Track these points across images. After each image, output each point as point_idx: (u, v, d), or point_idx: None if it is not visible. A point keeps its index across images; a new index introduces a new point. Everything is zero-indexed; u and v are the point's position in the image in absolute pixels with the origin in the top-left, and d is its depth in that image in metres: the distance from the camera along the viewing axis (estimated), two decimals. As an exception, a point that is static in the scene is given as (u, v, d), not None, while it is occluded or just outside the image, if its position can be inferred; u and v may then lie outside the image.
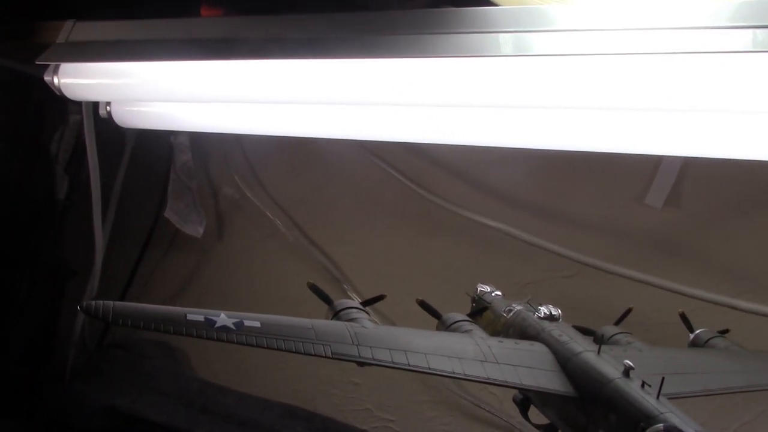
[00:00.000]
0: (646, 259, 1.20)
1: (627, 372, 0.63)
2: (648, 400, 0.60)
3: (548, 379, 0.67)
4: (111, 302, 0.60)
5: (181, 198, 1.54)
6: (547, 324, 0.77)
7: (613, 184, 1.23)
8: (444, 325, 0.81)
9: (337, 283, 1.44)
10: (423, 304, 0.84)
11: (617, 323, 0.89)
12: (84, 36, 1.13)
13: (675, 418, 0.57)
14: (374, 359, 0.65)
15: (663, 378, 0.61)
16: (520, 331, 0.78)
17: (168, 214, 1.53)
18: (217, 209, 1.61)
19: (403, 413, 1.41)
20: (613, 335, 0.85)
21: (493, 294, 0.89)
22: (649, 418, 0.58)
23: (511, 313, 0.82)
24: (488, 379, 0.66)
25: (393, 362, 0.65)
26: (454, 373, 0.66)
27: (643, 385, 0.61)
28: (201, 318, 0.62)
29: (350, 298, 1.20)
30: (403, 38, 0.89)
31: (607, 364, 0.65)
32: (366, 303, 0.79)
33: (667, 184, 1.19)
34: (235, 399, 1.47)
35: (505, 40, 0.84)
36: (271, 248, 1.54)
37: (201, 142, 1.58)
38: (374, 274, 1.43)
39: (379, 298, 0.82)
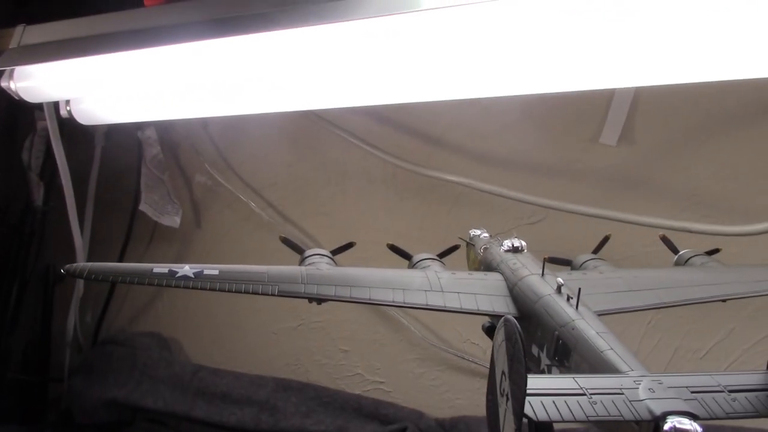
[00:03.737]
0: (607, 196, 1.23)
1: (559, 289, 0.66)
2: (566, 310, 0.63)
3: (490, 303, 0.70)
4: (88, 263, 0.71)
5: (155, 190, 1.57)
6: (508, 255, 0.79)
7: (568, 127, 1.25)
8: (411, 264, 0.85)
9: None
10: (393, 248, 0.89)
11: (595, 251, 0.91)
12: (35, 39, 1.14)
13: (582, 322, 0.60)
14: (317, 294, 0.70)
15: (579, 289, 0.63)
16: (487, 264, 0.82)
17: (143, 207, 1.56)
18: (192, 198, 1.63)
19: (392, 374, 1.45)
20: (584, 261, 0.87)
21: (481, 235, 0.91)
22: (562, 326, 0.61)
23: (484, 251, 0.85)
24: (427, 305, 0.71)
25: (335, 296, 0.70)
26: (393, 301, 0.70)
27: (568, 299, 0.64)
28: (165, 270, 0.70)
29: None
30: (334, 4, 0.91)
31: (544, 285, 0.68)
32: (335, 252, 0.84)
33: (619, 120, 1.22)
34: (229, 379, 1.50)
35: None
36: (248, 229, 1.57)
37: (169, 134, 1.61)
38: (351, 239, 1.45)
39: (349, 246, 0.86)
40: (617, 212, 1.18)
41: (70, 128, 1.37)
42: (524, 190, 1.26)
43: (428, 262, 0.82)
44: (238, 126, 1.54)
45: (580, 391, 0.48)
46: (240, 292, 0.69)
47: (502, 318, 0.48)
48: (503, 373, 0.47)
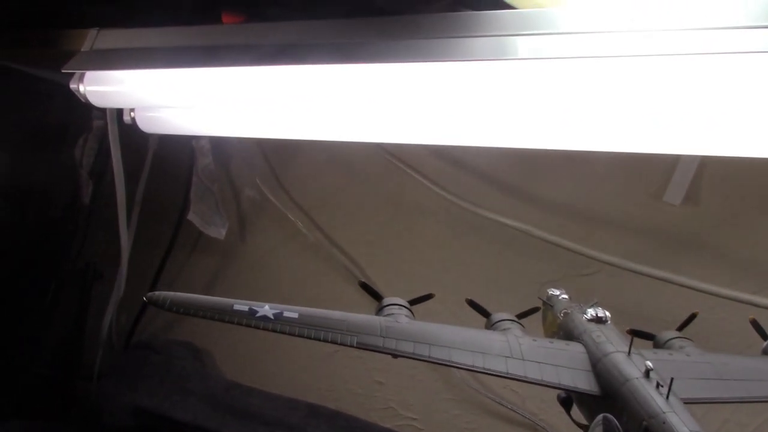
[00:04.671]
0: (665, 256, 1.20)
1: (647, 373, 0.64)
2: (656, 400, 0.60)
3: (573, 377, 0.68)
4: (170, 293, 0.72)
5: (204, 201, 1.57)
6: (591, 325, 0.77)
7: (631, 182, 1.23)
8: (489, 324, 0.83)
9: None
10: (472, 303, 0.88)
11: (680, 329, 0.88)
12: (108, 44, 1.15)
13: (674, 417, 0.57)
14: (395, 349, 0.69)
15: (672, 380, 0.61)
16: (568, 332, 0.80)
17: (191, 216, 1.56)
18: (239, 211, 1.63)
19: (426, 411, 1.43)
20: (669, 339, 0.85)
21: (560, 297, 0.89)
22: (652, 417, 0.59)
23: (565, 316, 0.83)
24: (508, 374, 0.69)
25: (414, 353, 0.69)
26: (474, 366, 0.68)
27: (658, 386, 0.62)
28: (245, 308, 0.71)
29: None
30: (421, 42, 0.90)
31: (631, 365, 0.66)
32: (413, 302, 0.83)
33: (685, 180, 1.20)
34: (261, 399, 1.49)
35: (522, 43, 0.85)
36: (292, 249, 1.56)
37: (222, 145, 1.60)
38: (395, 274, 1.44)
39: (428, 297, 0.85)
40: (672, 274, 1.16)
41: (124, 130, 1.37)
42: (579, 240, 1.24)
43: (508, 324, 0.80)
44: (292, 144, 1.53)
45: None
46: (318, 339, 0.68)
47: (602, 416, 0.46)
48: None
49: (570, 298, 0.89)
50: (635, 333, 0.78)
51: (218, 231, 1.57)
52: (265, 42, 1.02)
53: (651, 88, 0.81)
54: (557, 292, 0.90)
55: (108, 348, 1.72)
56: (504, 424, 1.35)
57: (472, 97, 0.92)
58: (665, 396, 0.60)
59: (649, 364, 0.64)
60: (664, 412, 0.58)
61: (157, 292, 0.72)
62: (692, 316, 0.89)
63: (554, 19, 0.84)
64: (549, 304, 0.89)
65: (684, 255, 1.20)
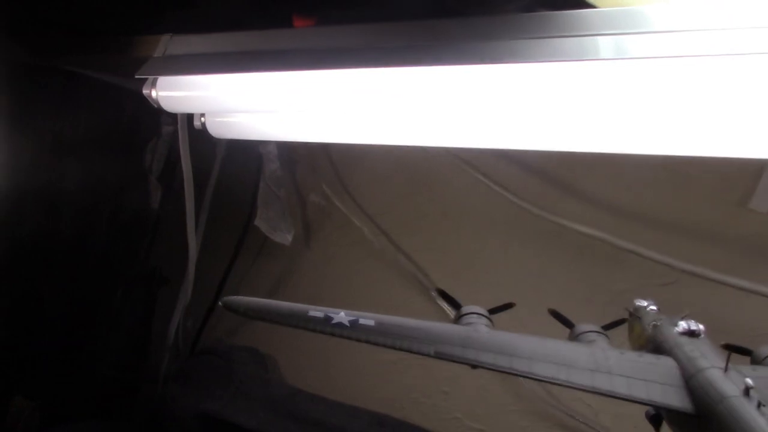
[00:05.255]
0: (749, 266, 1.14)
1: (747, 391, 0.60)
2: (758, 420, 0.56)
3: (663, 393, 0.64)
4: (245, 298, 0.71)
5: (271, 206, 1.57)
6: (683, 339, 0.73)
7: (714, 188, 1.18)
8: (573, 335, 0.80)
9: (425, 291, 1.44)
10: (555, 314, 0.85)
11: None
12: (181, 49, 1.15)
13: None
14: (475, 360, 0.66)
15: None
16: (657, 345, 0.76)
17: (258, 222, 1.56)
18: (304, 217, 1.62)
19: (493, 423, 1.39)
20: None
21: (648, 308, 0.85)
22: None
23: (654, 328, 0.79)
24: (594, 388, 0.65)
25: (495, 365, 0.66)
26: (557, 379, 0.65)
27: (759, 406, 0.58)
28: (321, 315, 0.70)
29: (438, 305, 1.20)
30: (498, 44, 0.88)
31: (729, 382, 0.62)
32: (492, 311, 0.81)
33: (774, 187, 1.14)
34: (324, 406, 1.48)
35: (604, 43, 0.82)
36: (357, 255, 1.54)
37: (288, 151, 1.60)
38: (462, 281, 1.41)
39: (508, 306, 0.82)
40: (759, 285, 1.10)
41: (193, 136, 1.38)
42: (657, 248, 1.19)
43: (593, 336, 0.76)
44: (358, 149, 1.53)
45: None
46: (395, 348, 0.66)
47: None
48: None
49: (659, 309, 0.84)
50: (731, 348, 0.73)
51: (284, 237, 1.56)
52: (335, 45, 1.02)
53: (738, 87, 0.77)
54: (645, 303, 0.85)
55: (174, 352, 1.74)
56: (575, 439, 1.30)
57: (548, 99, 0.89)
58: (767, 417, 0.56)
59: (749, 381, 0.60)
60: None
61: (232, 297, 0.72)
62: None
63: (637, 18, 0.81)
64: (636, 315, 0.84)
65: (770, 265, 1.14)
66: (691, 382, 0.65)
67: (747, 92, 0.76)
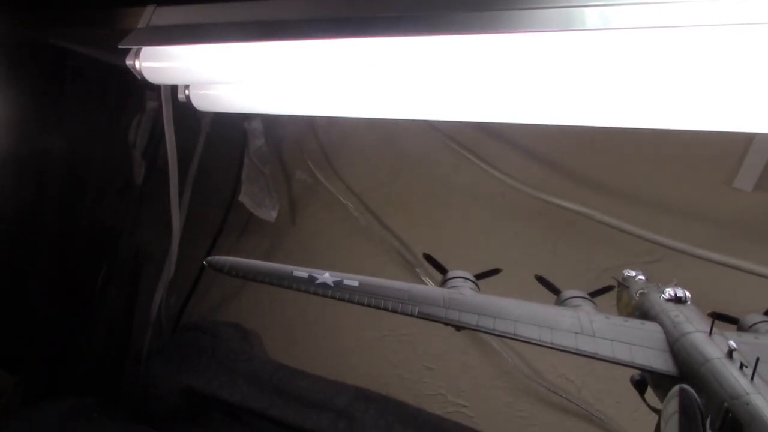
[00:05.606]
0: (734, 243, 1.15)
1: (730, 353, 0.60)
2: (740, 380, 0.56)
3: (647, 356, 0.65)
4: (229, 258, 0.71)
5: (255, 182, 1.56)
6: (669, 305, 0.74)
7: (699, 166, 1.18)
8: (559, 301, 0.80)
9: (410, 268, 1.44)
10: (541, 280, 0.85)
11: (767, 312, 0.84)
12: (164, 20, 1.14)
13: (759, 398, 0.53)
14: (458, 321, 0.67)
15: (758, 359, 0.57)
16: (644, 312, 0.76)
17: (242, 198, 1.55)
18: (290, 194, 1.62)
19: (477, 399, 1.40)
20: (756, 323, 0.80)
21: (637, 278, 0.86)
22: (734, 398, 0.54)
23: (641, 296, 0.79)
24: (577, 350, 0.66)
25: (477, 325, 0.67)
26: (540, 341, 0.65)
27: (742, 367, 0.58)
28: (305, 275, 0.69)
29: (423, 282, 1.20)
30: (483, 15, 0.87)
31: (712, 345, 0.62)
32: (479, 276, 0.81)
33: (758, 165, 1.14)
34: (308, 382, 1.48)
35: (590, 14, 0.81)
36: (343, 232, 1.54)
37: (274, 127, 1.59)
38: (448, 258, 1.40)
39: (495, 272, 0.82)
40: (744, 261, 1.10)
41: (177, 112, 1.37)
42: (642, 226, 1.19)
43: (579, 301, 0.77)
44: (344, 126, 1.52)
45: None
46: (378, 308, 0.66)
47: (678, 386, 0.42)
48: None
49: (647, 279, 0.85)
50: (717, 316, 0.74)
51: (269, 213, 1.56)
52: (320, 15, 1.01)
53: (723, 59, 0.76)
54: (633, 273, 0.86)
55: (157, 329, 1.73)
56: (558, 414, 1.31)
57: (534, 71, 0.88)
58: (750, 377, 0.56)
59: (733, 344, 0.60)
60: (747, 393, 0.54)
61: (216, 257, 0.72)
62: None
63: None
64: (624, 285, 0.85)
65: (755, 243, 1.14)
66: (676, 346, 0.65)
67: (734, 64, 0.76)
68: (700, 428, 0.38)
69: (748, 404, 0.53)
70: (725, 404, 0.55)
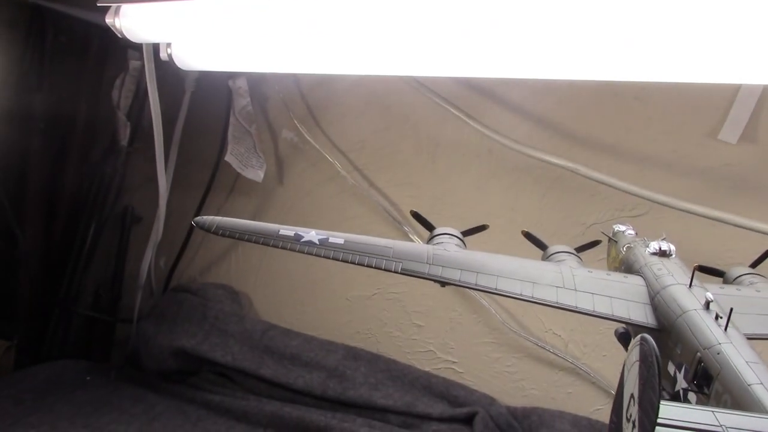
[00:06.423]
0: (720, 196, 1.15)
1: (707, 305, 0.60)
2: (713, 330, 0.56)
3: (627, 309, 0.65)
4: (217, 218, 0.71)
5: (241, 142, 1.54)
6: (653, 259, 0.73)
7: (684, 119, 1.17)
8: (545, 256, 0.80)
9: (398, 226, 1.43)
10: (528, 236, 0.84)
11: (753, 265, 0.83)
12: (142, -23, 1.12)
13: (730, 347, 0.53)
14: (441, 276, 0.67)
15: (731, 309, 0.57)
16: (629, 266, 0.76)
17: (228, 158, 1.54)
18: (276, 153, 1.60)
19: (466, 355, 1.41)
20: (739, 276, 0.80)
21: (626, 232, 0.85)
22: (706, 348, 0.54)
23: (627, 250, 0.79)
24: (557, 303, 0.65)
25: (460, 281, 0.66)
26: (522, 295, 0.65)
27: (717, 318, 0.58)
28: (291, 233, 0.69)
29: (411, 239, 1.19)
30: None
31: (691, 297, 0.62)
32: (466, 233, 0.81)
33: (743, 117, 1.13)
34: (299, 341, 1.49)
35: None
36: (331, 191, 1.53)
37: (260, 87, 1.57)
38: (435, 216, 1.39)
39: (481, 228, 0.82)
40: (729, 214, 1.10)
41: (161, 71, 1.35)
42: (629, 180, 1.19)
43: (564, 256, 0.77)
44: (330, 85, 1.50)
45: (719, 430, 0.41)
46: (363, 264, 0.66)
47: (639, 336, 0.42)
48: (632, 396, 0.41)
49: (636, 233, 0.84)
50: (702, 269, 0.73)
51: (256, 173, 1.55)
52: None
53: (708, 9, 0.74)
54: (623, 228, 0.85)
55: (147, 291, 1.73)
56: (545, 368, 1.32)
57: (519, 25, 0.87)
58: (723, 327, 0.56)
59: (710, 295, 0.60)
60: (719, 343, 0.54)
61: (204, 217, 0.72)
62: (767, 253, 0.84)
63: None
64: (613, 239, 0.84)
65: (740, 196, 1.14)
66: (656, 299, 0.65)
67: (719, 14, 0.75)
68: (656, 377, 0.38)
69: (719, 353, 0.53)
70: (698, 354, 0.55)
